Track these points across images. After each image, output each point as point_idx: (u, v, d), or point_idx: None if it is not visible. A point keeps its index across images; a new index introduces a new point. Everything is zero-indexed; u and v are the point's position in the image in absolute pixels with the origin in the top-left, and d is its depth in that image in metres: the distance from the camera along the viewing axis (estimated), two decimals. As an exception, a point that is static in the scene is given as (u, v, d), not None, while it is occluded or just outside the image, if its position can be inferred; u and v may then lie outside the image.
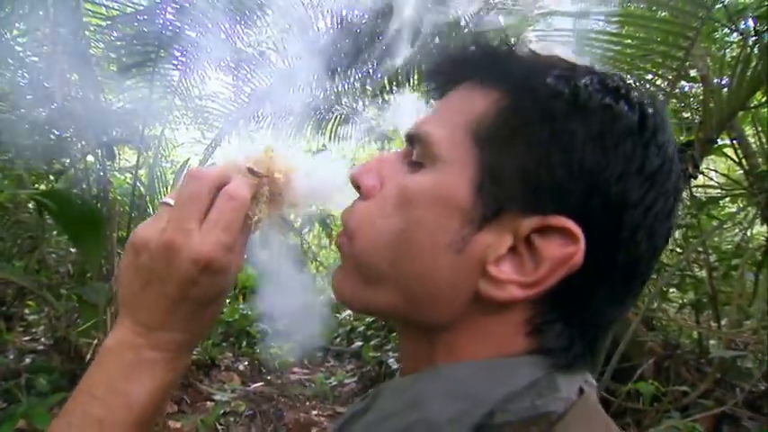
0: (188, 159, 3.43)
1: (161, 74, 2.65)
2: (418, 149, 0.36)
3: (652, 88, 1.79)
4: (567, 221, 0.30)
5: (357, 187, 0.38)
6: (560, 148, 0.31)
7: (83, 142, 2.55)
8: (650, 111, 0.32)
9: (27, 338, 2.72)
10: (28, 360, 2.33)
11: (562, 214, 0.31)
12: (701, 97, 2.10)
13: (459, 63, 0.38)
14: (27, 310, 2.88)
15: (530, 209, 0.31)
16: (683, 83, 2.09)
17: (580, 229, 0.30)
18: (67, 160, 2.64)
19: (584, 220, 0.30)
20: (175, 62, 2.69)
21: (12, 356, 2.33)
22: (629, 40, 1.87)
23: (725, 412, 1.66)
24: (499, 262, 0.32)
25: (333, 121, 3.67)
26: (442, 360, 0.35)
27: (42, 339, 2.69)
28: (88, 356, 2.06)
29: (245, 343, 3.36)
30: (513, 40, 0.36)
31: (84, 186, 2.56)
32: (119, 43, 2.59)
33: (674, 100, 2.06)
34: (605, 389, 1.74)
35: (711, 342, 2.09)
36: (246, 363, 3.17)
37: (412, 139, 0.37)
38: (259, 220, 0.41)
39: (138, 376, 0.38)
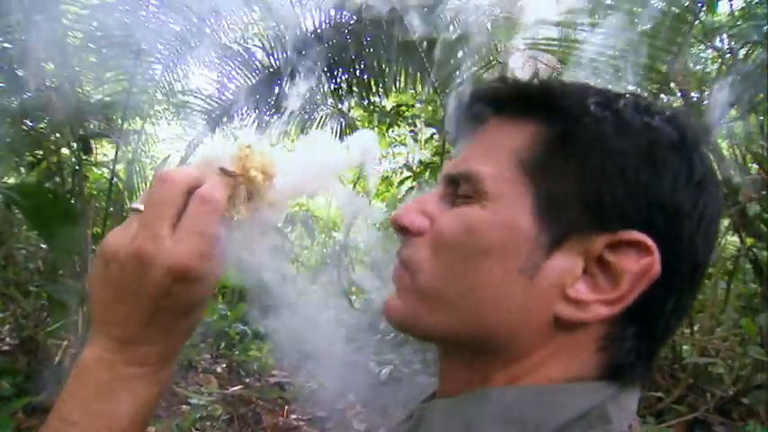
0: (168, 156, 3.35)
1: (143, 67, 2.58)
2: (466, 188, 0.36)
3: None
4: (638, 234, 0.31)
5: (401, 229, 0.38)
6: (615, 168, 0.32)
7: (57, 134, 2.45)
8: (686, 124, 0.34)
9: (-9, 338, 2.60)
10: (-9, 361, 2.23)
11: (629, 229, 0.32)
12: (679, 110, 2.16)
13: (487, 101, 0.38)
14: (-8, 308, 2.75)
15: (596, 229, 0.32)
16: (662, 96, 2.15)
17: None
18: (40, 152, 2.53)
19: (649, 232, 0.31)
20: (158, 55, 2.63)
21: (-26, 357, 2.22)
22: (613, 51, 1.92)
23: (697, 417, 1.71)
24: (575, 284, 0.33)
25: (318, 120, 3.64)
26: (500, 383, 0.34)
27: (7, 339, 2.57)
28: (57, 358, 1.98)
29: (223, 344, 3.29)
30: (540, 74, 0.36)
31: (57, 180, 2.46)
32: (99, 33, 2.51)
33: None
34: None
35: (685, 348, 2.15)
36: (225, 365, 3.11)
37: (455, 179, 0.37)
38: (237, 221, 0.39)
39: (116, 395, 0.36)
